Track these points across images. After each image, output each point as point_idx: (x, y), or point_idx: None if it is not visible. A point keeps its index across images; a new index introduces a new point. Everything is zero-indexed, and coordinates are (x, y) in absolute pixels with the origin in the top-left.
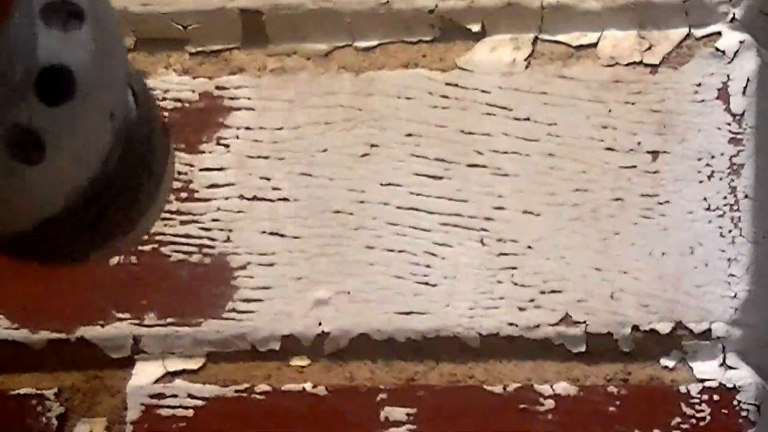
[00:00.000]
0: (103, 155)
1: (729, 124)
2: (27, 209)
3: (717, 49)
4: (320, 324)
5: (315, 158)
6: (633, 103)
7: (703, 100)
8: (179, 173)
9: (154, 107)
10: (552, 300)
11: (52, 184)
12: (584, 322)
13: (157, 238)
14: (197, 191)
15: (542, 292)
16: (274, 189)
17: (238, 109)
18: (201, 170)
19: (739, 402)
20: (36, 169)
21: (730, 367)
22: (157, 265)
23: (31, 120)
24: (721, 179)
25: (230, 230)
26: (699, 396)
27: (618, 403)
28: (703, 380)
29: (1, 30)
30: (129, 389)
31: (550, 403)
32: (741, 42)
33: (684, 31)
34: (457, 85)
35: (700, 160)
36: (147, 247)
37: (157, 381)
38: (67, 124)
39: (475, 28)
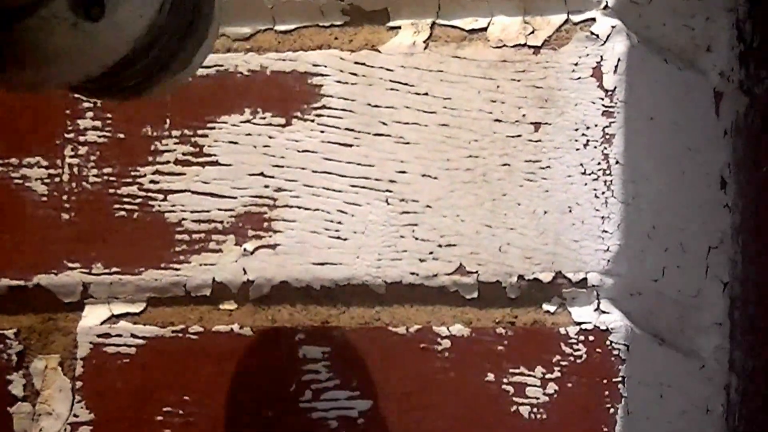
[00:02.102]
0: (157, 7)
1: (602, 99)
2: (94, 58)
3: (592, 33)
4: (246, 273)
5: (241, 128)
6: (518, 81)
7: (579, 78)
8: (125, 143)
9: None
10: (448, 253)
11: (114, 35)
12: (476, 272)
13: (104, 197)
14: (138, 156)
15: (440, 246)
16: (206, 155)
17: None
18: (140, 138)
19: (611, 342)
20: (99, 24)
21: (604, 312)
22: (104, 221)
23: None
24: (595, 147)
25: (168, 190)
26: (576, 337)
27: (506, 343)
28: (580, 323)
29: None
30: (79, 330)
31: (446, 343)
32: (613, 27)
33: (563, 17)
34: (364, 64)
35: (576, 130)
36: (95, 205)
37: (103, 323)
38: None
39: (381, 14)
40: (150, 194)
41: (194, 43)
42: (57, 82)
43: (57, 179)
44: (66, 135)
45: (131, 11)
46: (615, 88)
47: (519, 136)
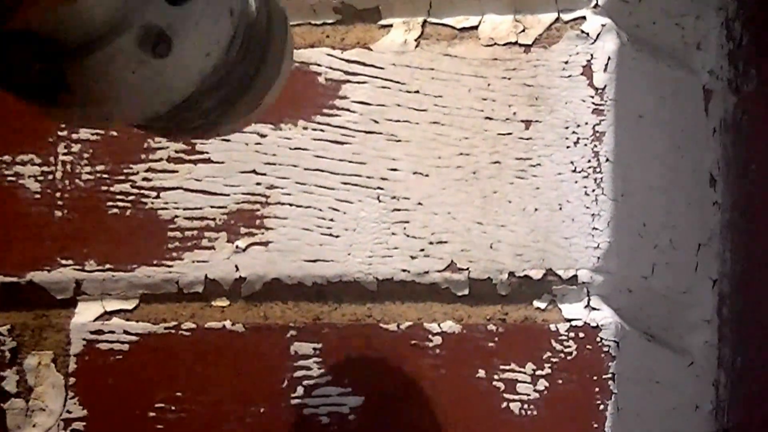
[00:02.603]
0: (224, 46)
1: (592, 97)
2: (160, 95)
3: (582, 32)
4: (238, 270)
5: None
6: (509, 79)
7: (570, 76)
8: (118, 141)
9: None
10: (439, 250)
11: (181, 73)
12: (467, 269)
13: (97, 195)
14: (131, 154)
15: (431, 243)
16: (199, 152)
17: None
18: (133, 135)
19: (602, 339)
20: (165, 60)
21: (594, 309)
22: (97, 218)
23: (158, 18)
24: (585, 145)
25: (160, 188)
26: (567, 334)
27: (496, 339)
28: (570, 320)
29: None
30: (72, 326)
31: (437, 340)
32: (603, 25)
33: (553, 15)
34: (356, 62)
35: (567, 128)
36: (88, 203)
37: (96, 319)
38: (190, 21)
39: (372, 12)
40: (143, 191)
41: (264, 83)
42: (122, 119)
43: (50, 177)
44: (59, 133)
45: (198, 49)
46: (605, 86)
47: (510, 133)
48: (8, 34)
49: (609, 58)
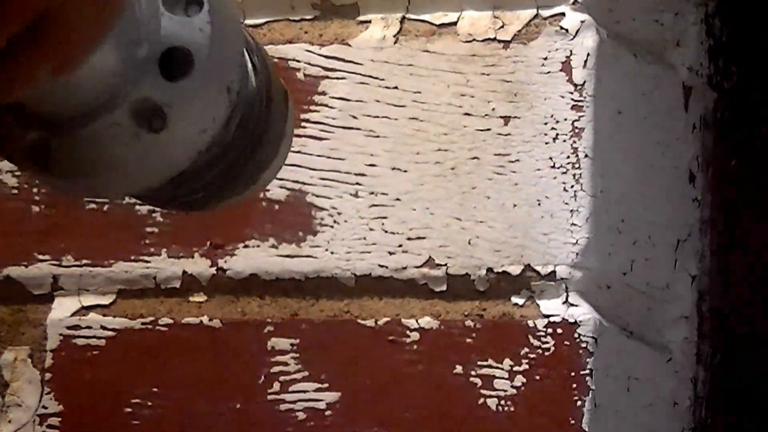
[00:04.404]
0: (221, 123)
1: (571, 93)
2: (154, 169)
3: (561, 28)
4: (216, 265)
5: None
6: (488, 75)
7: (549, 72)
8: None
9: (273, 76)
10: (417, 245)
11: (175, 148)
12: (445, 264)
13: None
14: None
15: (409, 239)
16: None
17: None
18: None
19: (580, 335)
20: (159, 135)
21: (572, 305)
22: (74, 213)
23: (154, 93)
24: (564, 141)
25: None
26: (545, 330)
27: (474, 335)
28: (548, 316)
29: (125, 17)
30: (49, 321)
31: (415, 335)
32: (582, 21)
33: (532, 11)
34: (334, 58)
35: (546, 124)
36: (65, 198)
37: (73, 314)
38: (186, 97)
39: (351, 8)
40: None
41: (262, 160)
42: (114, 191)
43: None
44: None
45: (194, 125)
46: (584, 82)
47: (488, 129)
48: (0, 106)
49: (588, 55)
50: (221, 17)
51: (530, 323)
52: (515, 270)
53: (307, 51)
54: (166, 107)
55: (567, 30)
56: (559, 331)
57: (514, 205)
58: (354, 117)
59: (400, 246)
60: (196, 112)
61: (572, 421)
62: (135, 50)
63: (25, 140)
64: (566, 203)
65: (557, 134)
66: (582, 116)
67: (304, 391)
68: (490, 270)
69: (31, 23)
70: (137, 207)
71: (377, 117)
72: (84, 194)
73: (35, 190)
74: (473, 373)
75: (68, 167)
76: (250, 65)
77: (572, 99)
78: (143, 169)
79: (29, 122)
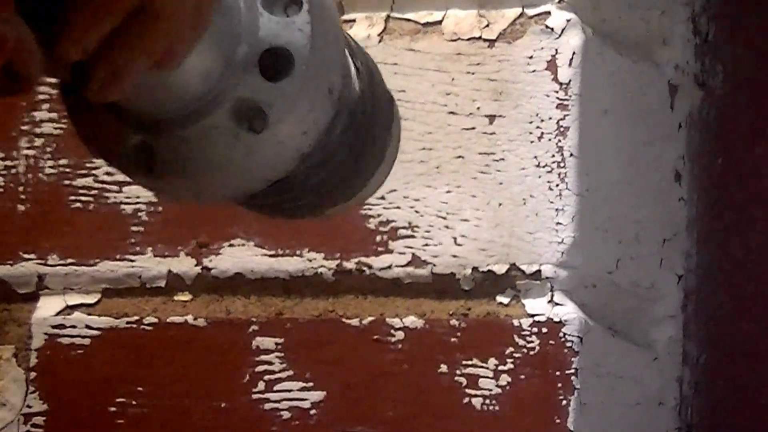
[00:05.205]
0: (324, 126)
1: (557, 92)
2: (254, 172)
3: (546, 27)
4: (201, 264)
5: None
6: (473, 73)
7: (534, 71)
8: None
9: (379, 81)
10: (402, 244)
11: (277, 150)
12: (430, 263)
13: (60, 189)
14: None
15: (393, 238)
16: None
17: None
18: None
19: (565, 334)
20: (261, 136)
21: (557, 304)
22: (60, 212)
23: (254, 94)
24: (549, 140)
25: (123, 182)
26: (530, 329)
27: (459, 334)
28: (533, 315)
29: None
30: (34, 320)
31: (400, 335)
32: (568, 20)
33: (518, 10)
34: None
35: (531, 123)
36: (51, 197)
37: (58, 313)
38: (287, 98)
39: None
40: (105, 186)
41: (369, 167)
42: (215, 194)
43: (13, 171)
44: (22, 127)
45: (295, 127)
46: (570, 81)
47: (473, 128)
48: (104, 107)
49: (573, 53)
50: (321, 18)
51: (515, 322)
52: (500, 269)
53: None
54: (267, 108)
55: (552, 29)
56: (545, 330)
57: (500, 204)
58: None
59: (385, 245)
60: (297, 113)
61: (558, 420)
62: (234, 50)
63: (128, 143)
64: (551, 202)
65: (542, 133)
66: (567, 115)
67: (289, 390)
68: (475, 269)
69: (130, 14)
70: (122, 206)
71: None
72: (186, 197)
73: (21, 189)
74: (458, 372)
75: (170, 170)
76: (353, 69)
77: (557, 98)
78: (245, 170)
79: (131, 124)
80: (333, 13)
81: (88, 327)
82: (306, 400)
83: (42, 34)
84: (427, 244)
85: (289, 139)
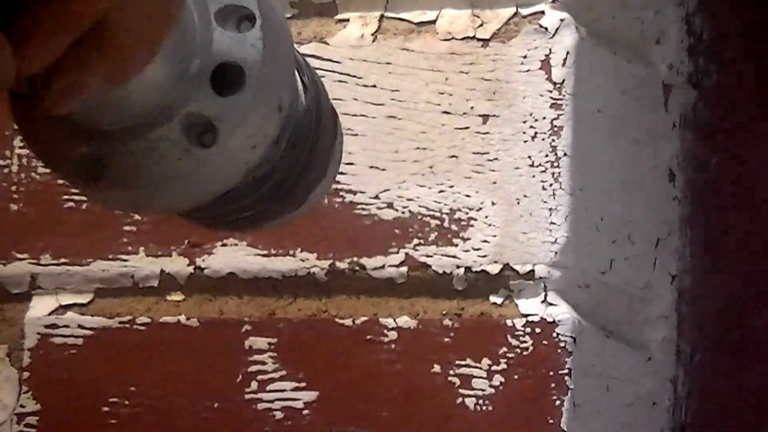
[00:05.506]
0: (271, 140)
1: (550, 92)
2: (203, 185)
3: (540, 26)
4: (193, 264)
5: None
6: (467, 73)
7: (528, 70)
8: None
9: (323, 95)
10: (396, 244)
11: (225, 164)
12: (423, 263)
13: (53, 188)
14: None
15: (387, 237)
16: None
17: None
18: None
19: (558, 334)
20: (210, 150)
21: (551, 304)
22: (52, 212)
23: (205, 108)
24: (543, 139)
25: None
26: (523, 329)
27: (452, 335)
28: (526, 315)
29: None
30: (26, 320)
31: (393, 335)
32: (561, 20)
33: (512, 10)
34: (313, 56)
35: (525, 122)
36: (44, 196)
37: (51, 313)
38: (237, 113)
39: (329, 7)
40: None
41: (310, 181)
42: (162, 207)
43: (6, 170)
44: (15, 126)
45: (245, 141)
46: (563, 80)
47: (467, 128)
48: (51, 117)
49: (567, 53)
50: (274, 34)
51: (509, 322)
52: (494, 269)
53: None
54: (218, 122)
55: (546, 28)
56: (538, 330)
57: (493, 204)
58: None
59: (378, 245)
60: (247, 128)
61: (551, 421)
62: (187, 64)
63: (75, 153)
64: (545, 202)
65: (536, 133)
66: (561, 114)
67: (282, 391)
68: (468, 269)
69: (87, 31)
70: None
71: (355, 115)
72: (131, 209)
73: (14, 188)
74: (451, 372)
75: (117, 181)
76: (300, 84)
77: (551, 97)
78: (193, 184)
79: (80, 135)
80: (285, 29)
81: (80, 327)
82: (299, 400)
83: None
84: (420, 244)
85: (239, 153)
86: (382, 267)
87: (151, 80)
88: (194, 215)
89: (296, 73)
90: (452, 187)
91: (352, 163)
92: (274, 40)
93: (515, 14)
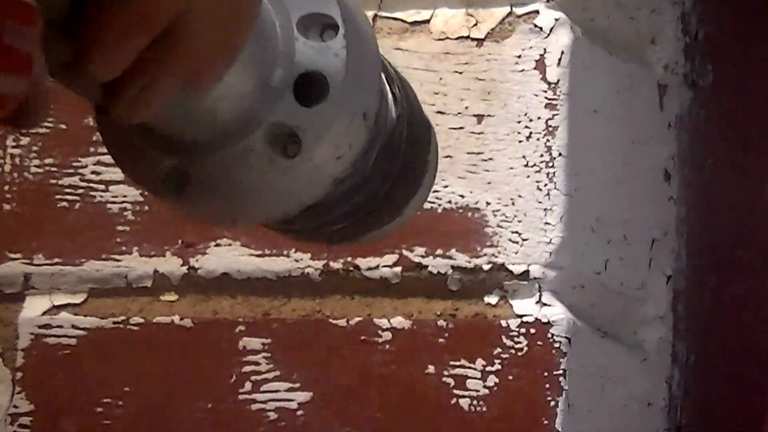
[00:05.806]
0: (358, 150)
1: (545, 92)
2: (288, 196)
3: (535, 26)
4: (187, 264)
5: None
6: (461, 73)
7: (522, 70)
8: (67, 134)
9: (417, 107)
10: (390, 245)
11: (310, 174)
12: (418, 264)
13: (46, 188)
14: (80, 147)
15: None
16: None
17: None
18: (82, 128)
19: (553, 335)
20: (294, 161)
21: (545, 305)
22: (46, 212)
23: (288, 118)
24: (538, 139)
25: (109, 181)
26: (518, 330)
27: (447, 335)
28: (521, 316)
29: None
30: (20, 320)
31: (387, 335)
32: (556, 19)
33: (506, 9)
34: None
35: (519, 122)
36: (37, 196)
37: (44, 313)
38: (321, 122)
39: None
40: (92, 185)
41: (405, 193)
42: (248, 218)
43: None
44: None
45: (330, 152)
46: (558, 80)
47: (461, 128)
48: (136, 129)
49: (562, 53)
50: (358, 43)
51: (503, 323)
52: (488, 269)
53: None
54: (301, 132)
55: (541, 28)
56: (533, 331)
57: (488, 204)
58: None
59: (372, 245)
60: (332, 138)
61: (546, 422)
62: (269, 74)
63: (161, 166)
64: (540, 202)
65: (531, 133)
66: (556, 115)
67: (276, 391)
68: (463, 269)
69: (158, 34)
70: (108, 205)
71: None
72: (218, 220)
73: (6, 188)
74: (446, 373)
75: (203, 193)
76: (390, 95)
77: (546, 97)
78: (278, 195)
79: (164, 147)
80: (370, 38)
81: (74, 327)
82: (293, 400)
83: (70, 48)
84: (414, 244)
85: (324, 163)
86: (377, 267)
87: (233, 89)
88: (286, 227)
89: (386, 83)
90: (447, 187)
91: None
92: (358, 49)
93: (510, 14)
